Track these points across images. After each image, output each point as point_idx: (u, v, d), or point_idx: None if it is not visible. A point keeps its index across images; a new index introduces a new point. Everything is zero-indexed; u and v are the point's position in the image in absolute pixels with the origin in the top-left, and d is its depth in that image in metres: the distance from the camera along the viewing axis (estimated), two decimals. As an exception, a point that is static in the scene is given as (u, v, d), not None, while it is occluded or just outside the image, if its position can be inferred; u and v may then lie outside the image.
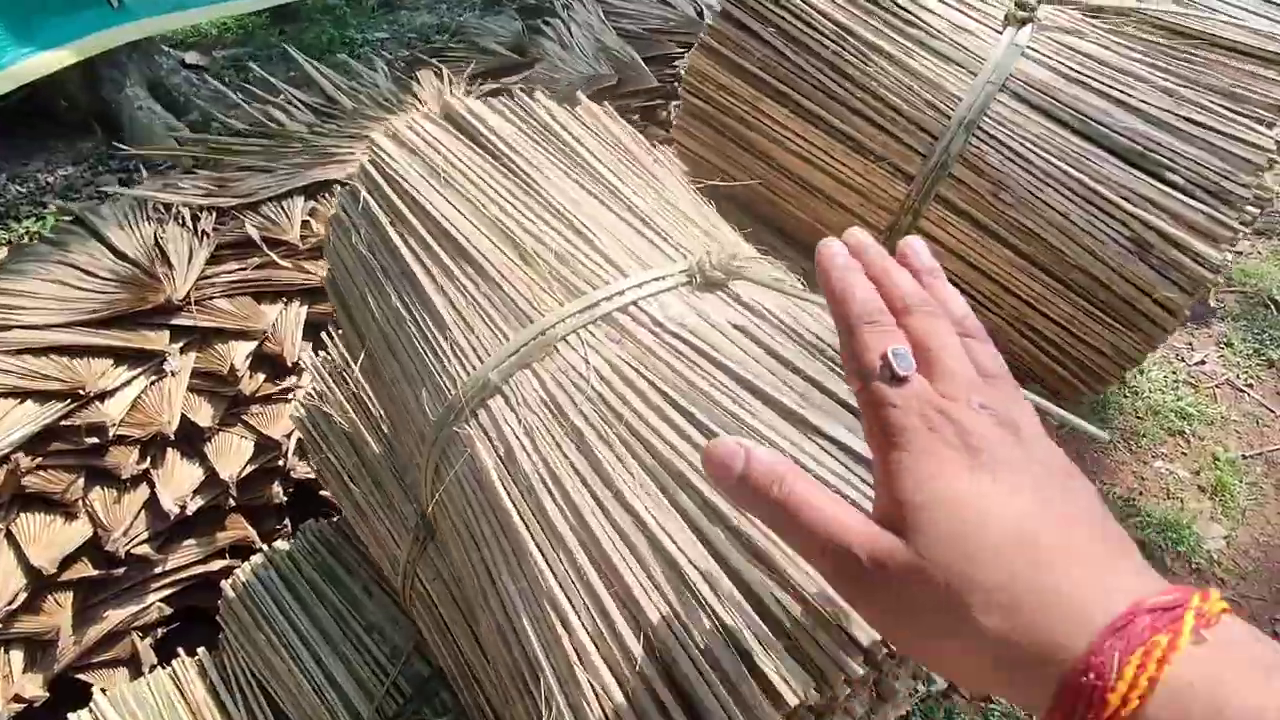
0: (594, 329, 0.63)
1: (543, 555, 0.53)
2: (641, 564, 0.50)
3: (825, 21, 0.97)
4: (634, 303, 0.64)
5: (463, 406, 0.63)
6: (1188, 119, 0.87)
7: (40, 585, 1.28)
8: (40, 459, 1.35)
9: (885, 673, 0.50)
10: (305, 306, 1.69)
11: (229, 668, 1.31)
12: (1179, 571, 1.84)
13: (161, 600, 1.40)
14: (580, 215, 0.72)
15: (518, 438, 0.59)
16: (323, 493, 1.58)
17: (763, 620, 0.45)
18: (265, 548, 1.39)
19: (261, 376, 1.57)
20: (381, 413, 0.98)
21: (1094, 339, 0.94)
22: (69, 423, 1.38)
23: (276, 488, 1.51)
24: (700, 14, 2.82)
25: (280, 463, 1.51)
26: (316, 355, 1.26)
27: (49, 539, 1.30)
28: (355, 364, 0.85)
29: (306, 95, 2.36)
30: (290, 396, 1.58)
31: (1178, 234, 0.84)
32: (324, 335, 1.61)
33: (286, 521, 1.58)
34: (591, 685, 0.47)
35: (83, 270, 1.69)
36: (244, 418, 1.52)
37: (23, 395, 1.41)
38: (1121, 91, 0.90)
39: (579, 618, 0.49)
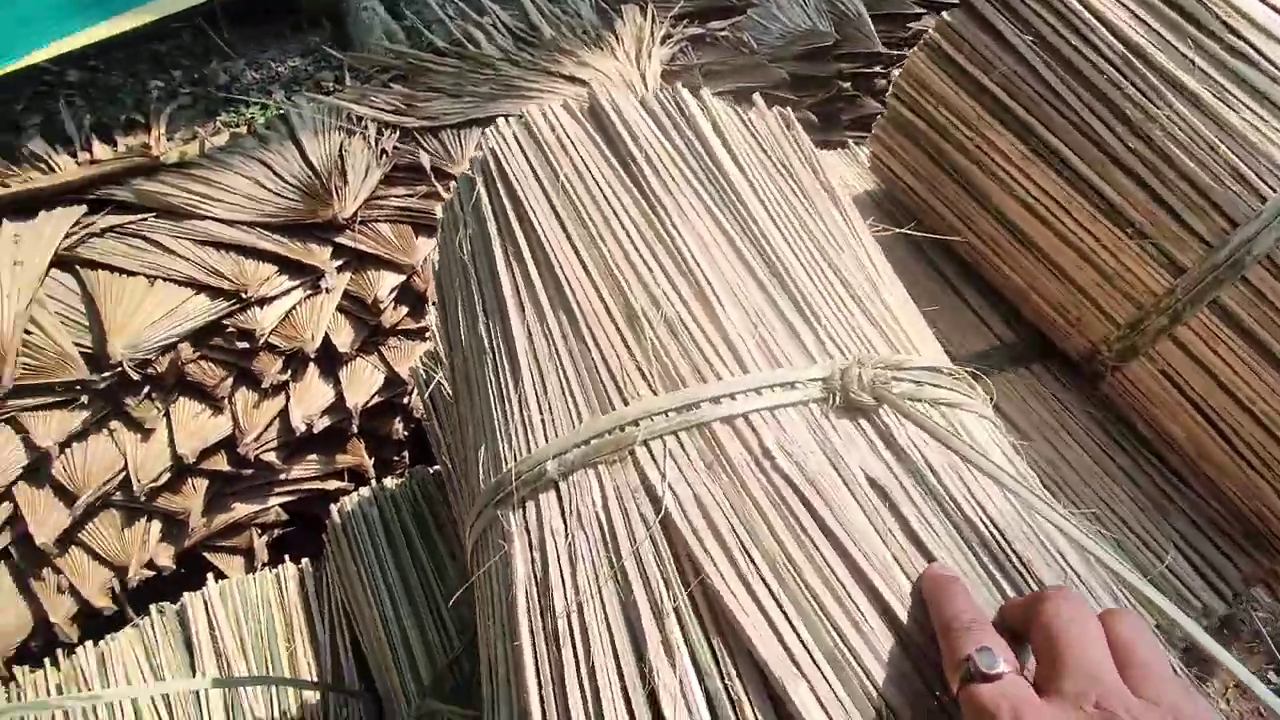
0: (685, 439, 0.50)
1: (540, 708, 0.43)
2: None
3: (1110, 39, 0.72)
4: (744, 415, 0.50)
5: (512, 491, 0.53)
6: None
7: (181, 469, 1.39)
8: (200, 352, 1.44)
9: None
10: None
11: (324, 584, 1.37)
12: None
13: (280, 505, 1.48)
14: (711, 274, 0.57)
15: (558, 555, 0.48)
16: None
17: None
18: (374, 483, 1.42)
19: (404, 310, 1.58)
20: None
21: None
22: (229, 322, 1.47)
23: (398, 424, 1.53)
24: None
25: (405, 400, 1.53)
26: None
27: (195, 428, 1.41)
28: (447, 366, 0.77)
29: (509, 18, 2.30)
30: (426, 337, 1.58)
31: None
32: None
33: (405, 455, 1.62)
34: None
35: (274, 171, 1.77)
36: (380, 349, 1.54)
37: (199, 288, 1.51)
38: None
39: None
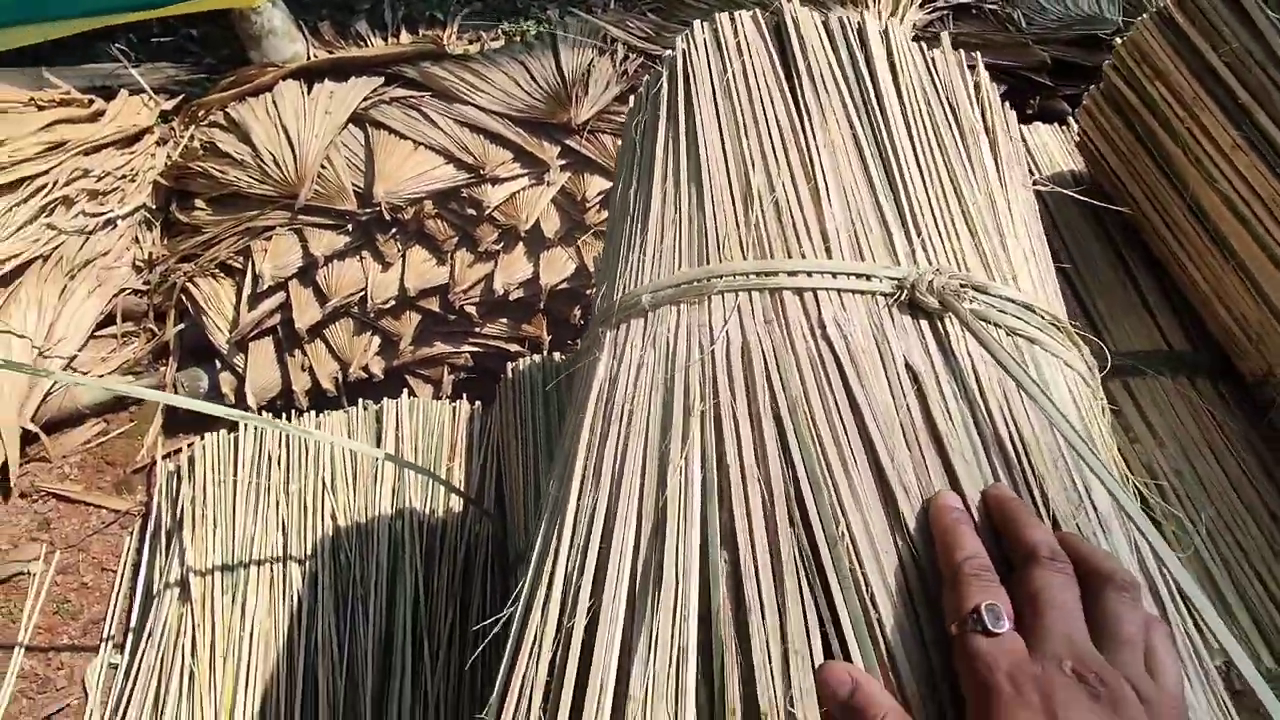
0: (755, 298, 0.58)
1: (579, 483, 0.55)
2: (634, 548, 0.48)
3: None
4: (813, 290, 0.57)
5: (613, 313, 0.64)
6: None
7: (404, 301, 1.69)
8: (438, 211, 1.72)
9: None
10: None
11: (487, 427, 1.61)
12: None
13: (470, 352, 1.74)
14: (829, 172, 0.64)
15: (629, 365, 0.59)
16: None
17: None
18: (544, 353, 1.63)
19: (605, 214, 1.74)
20: None
21: None
22: (465, 192, 1.72)
23: (577, 311, 1.72)
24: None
25: (588, 292, 1.71)
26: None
27: (421, 271, 1.69)
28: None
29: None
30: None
31: None
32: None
33: (576, 342, 1.81)
34: (537, 628, 0.49)
35: (530, 74, 2.00)
36: (578, 242, 1.73)
37: (449, 159, 1.79)
38: None
39: (566, 557, 0.51)
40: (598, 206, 1.73)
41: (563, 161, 1.79)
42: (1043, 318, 0.60)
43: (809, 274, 0.58)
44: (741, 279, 0.58)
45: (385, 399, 1.61)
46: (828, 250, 0.59)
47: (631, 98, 0.88)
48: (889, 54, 0.74)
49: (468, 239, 1.73)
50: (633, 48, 2.05)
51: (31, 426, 1.69)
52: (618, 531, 0.49)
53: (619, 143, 1.83)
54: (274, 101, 2.00)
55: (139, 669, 1.34)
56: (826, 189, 0.62)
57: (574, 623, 0.46)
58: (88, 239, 1.92)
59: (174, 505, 1.52)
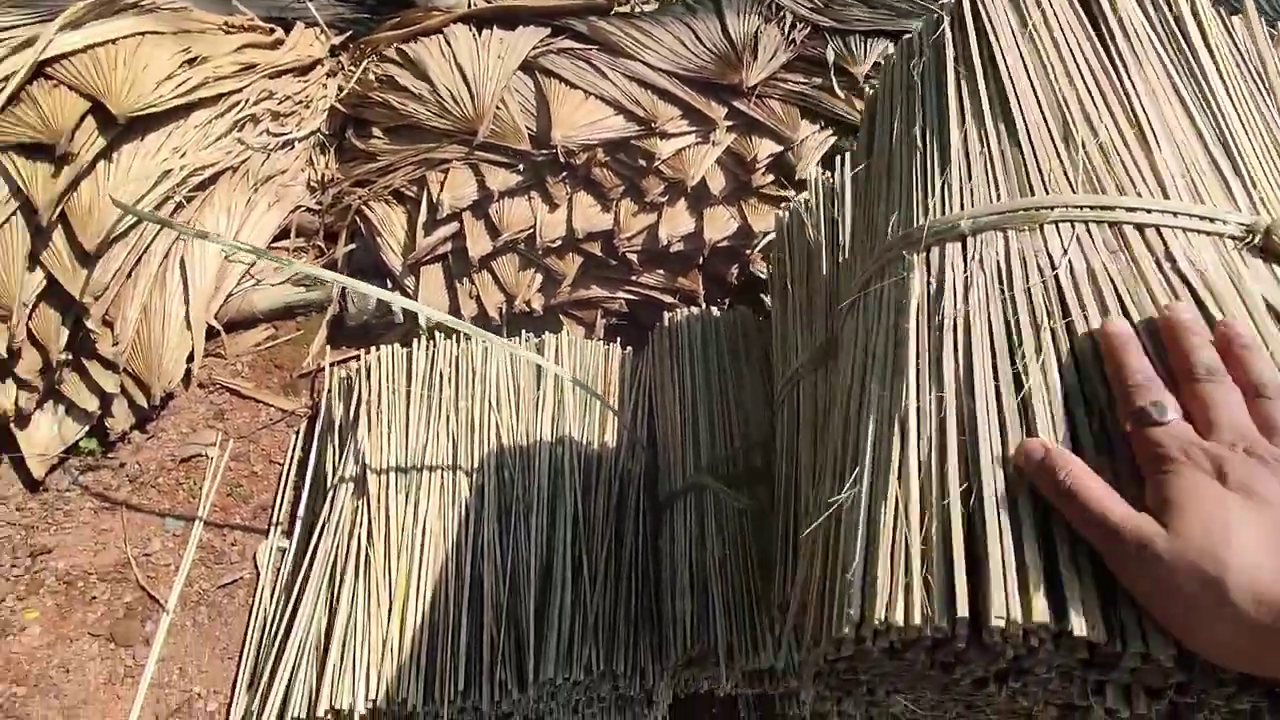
0: (1093, 230, 0.60)
1: (915, 381, 0.58)
2: (1002, 435, 0.51)
3: None
4: (1156, 228, 0.59)
5: (920, 238, 0.67)
6: None
7: (569, 242, 1.75)
8: (608, 160, 1.77)
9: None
10: (834, 138, 1.81)
11: (639, 371, 1.67)
12: None
13: (625, 299, 1.80)
14: (1155, 121, 0.65)
15: (953, 283, 0.62)
16: (763, 295, 1.79)
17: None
18: (702, 306, 1.67)
19: (770, 178, 1.77)
20: (850, 231, 1.06)
21: None
22: (635, 143, 1.77)
23: (734, 270, 1.75)
24: None
25: (748, 252, 1.74)
26: (823, 173, 1.38)
27: (588, 216, 1.75)
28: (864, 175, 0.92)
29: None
30: (782, 205, 1.76)
31: None
32: (837, 158, 1.71)
33: (727, 301, 1.85)
34: (897, 495, 0.53)
35: (696, 36, 2.02)
36: (742, 203, 1.75)
37: (619, 110, 1.83)
38: None
39: (917, 439, 0.54)
40: (764, 169, 1.75)
41: (729, 123, 1.81)
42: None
43: (1148, 211, 0.59)
44: (1076, 210, 0.60)
45: (546, 333, 1.68)
46: (1164, 192, 0.60)
47: (891, 46, 0.90)
48: (1193, 9, 0.74)
49: (633, 189, 1.77)
50: (799, 17, 2.05)
51: (215, 323, 1.82)
52: (982, 425, 0.52)
53: (786, 110, 1.84)
54: (447, 42, 2.08)
55: (314, 552, 1.45)
56: (1154, 134, 0.64)
57: (948, 502, 0.49)
58: (269, 157, 2.04)
59: (347, 409, 1.62)
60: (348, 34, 2.48)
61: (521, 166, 1.79)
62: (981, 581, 0.46)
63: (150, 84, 1.76)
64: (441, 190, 1.76)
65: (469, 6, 2.48)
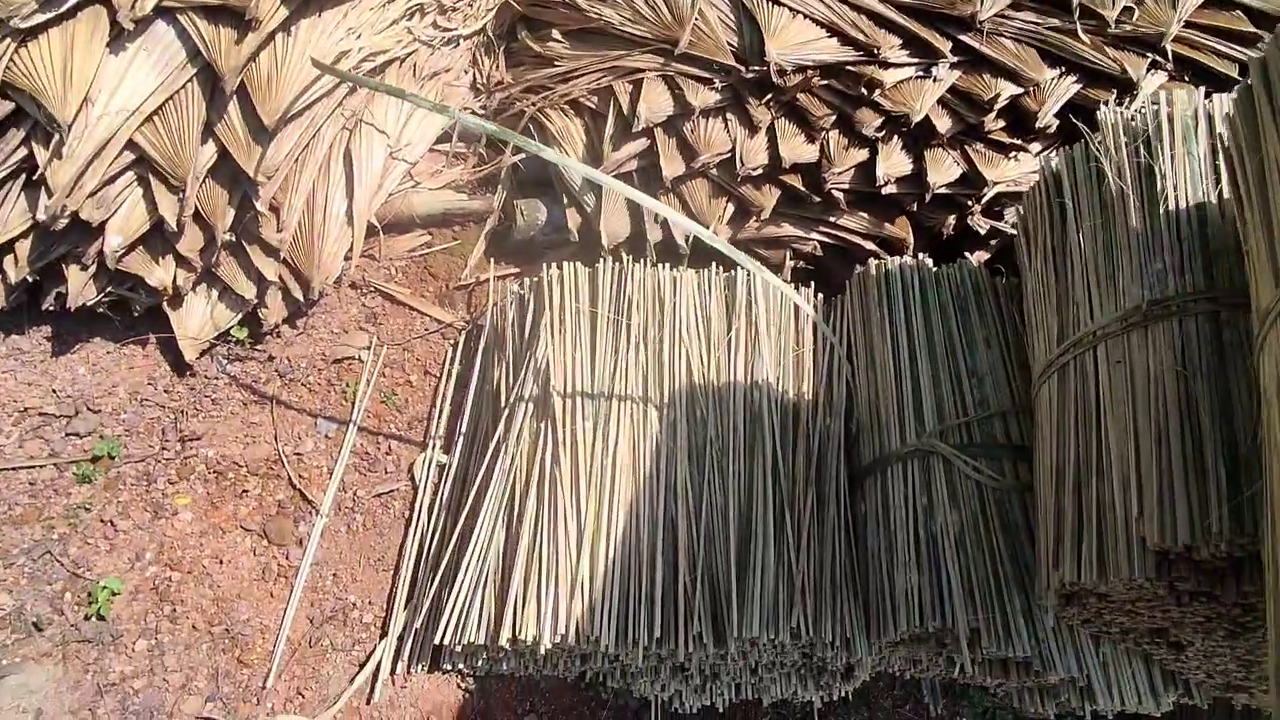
0: None
1: None
2: None
3: None
4: None
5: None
6: None
7: (770, 172, 1.60)
8: (821, 84, 1.60)
9: None
10: (1080, 86, 1.61)
11: (834, 319, 1.53)
12: None
13: (819, 241, 1.65)
14: None
15: None
16: (975, 253, 1.63)
17: None
18: (918, 256, 1.51)
19: (1002, 123, 1.59)
20: None
21: None
22: (853, 69, 1.59)
23: (951, 220, 1.59)
24: None
25: (969, 204, 1.57)
26: (1116, 111, 1.20)
27: (793, 144, 1.59)
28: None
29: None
30: (1013, 155, 1.58)
31: None
32: (1107, 106, 1.51)
33: (927, 256, 1.69)
34: None
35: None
36: (968, 148, 1.58)
37: (834, 32, 1.66)
38: None
39: None
40: (996, 114, 1.57)
41: (956, 58, 1.63)
42: None
43: None
44: None
45: (737, 270, 1.55)
46: None
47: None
48: None
49: (842, 120, 1.61)
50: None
51: (375, 221, 1.72)
52: None
53: (1022, 49, 1.65)
54: (635, -56, 1.90)
55: (488, 473, 1.36)
56: None
57: None
58: (435, 51, 1.91)
59: (521, 325, 1.52)
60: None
61: (719, 84, 1.63)
62: None
63: (335, -46, 1.63)
64: (636, 102, 1.61)
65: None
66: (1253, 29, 1.66)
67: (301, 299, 1.63)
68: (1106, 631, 1.03)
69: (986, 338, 1.33)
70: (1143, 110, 1.15)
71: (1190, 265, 0.96)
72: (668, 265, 1.51)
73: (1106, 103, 1.60)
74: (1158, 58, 1.59)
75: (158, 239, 1.52)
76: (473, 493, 1.37)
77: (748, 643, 1.17)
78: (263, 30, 1.52)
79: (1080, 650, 1.07)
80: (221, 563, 1.41)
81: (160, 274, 1.54)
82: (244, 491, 1.49)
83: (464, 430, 1.52)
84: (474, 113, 1.89)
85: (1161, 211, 1.04)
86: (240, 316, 1.62)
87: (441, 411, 1.60)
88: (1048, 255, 1.19)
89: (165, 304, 1.59)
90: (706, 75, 1.64)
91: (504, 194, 1.80)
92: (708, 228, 1.59)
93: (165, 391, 1.59)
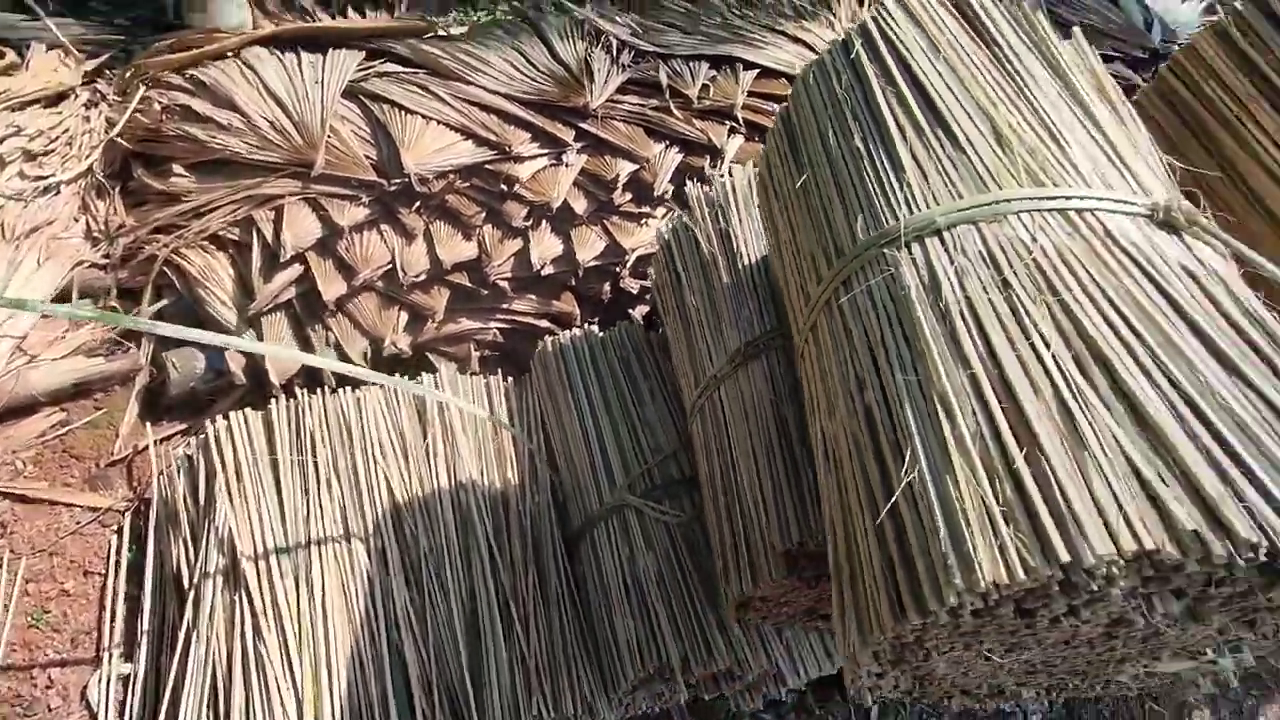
0: (1049, 217, 0.69)
1: (940, 364, 0.63)
2: (1037, 401, 0.57)
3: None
4: (1093, 211, 0.69)
5: (899, 235, 0.73)
6: None
7: (434, 275, 1.64)
8: (465, 185, 1.69)
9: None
10: (681, 155, 1.89)
11: (525, 400, 1.61)
12: None
13: (498, 328, 1.72)
14: (1058, 121, 0.76)
15: (944, 272, 0.68)
16: (635, 309, 1.81)
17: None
18: (585, 326, 1.65)
19: (629, 196, 1.80)
20: (768, 239, 1.10)
21: None
22: (490, 168, 1.71)
23: (607, 287, 1.76)
24: (1148, 26, 2.60)
25: (618, 270, 1.75)
26: (699, 186, 1.44)
27: (450, 246, 1.66)
28: (793, 187, 0.97)
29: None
30: (643, 222, 1.80)
31: None
32: (706, 171, 1.79)
33: (596, 321, 1.85)
34: (963, 467, 0.56)
35: (527, 60, 2.01)
36: (605, 222, 1.77)
37: (467, 135, 1.77)
38: None
39: (962, 414, 0.59)
40: (621, 188, 1.78)
41: (579, 145, 1.82)
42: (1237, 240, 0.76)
43: (1082, 198, 0.70)
44: (1031, 201, 0.70)
45: (424, 373, 1.56)
46: (1086, 183, 0.71)
47: (805, 70, 0.97)
48: (1044, 30, 0.88)
49: (493, 215, 1.71)
50: (623, 42, 2.12)
51: (-20, 414, 1.46)
52: (1020, 390, 0.58)
53: (631, 130, 1.89)
54: (249, 66, 1.87)
55: (181, 668, 1.20)
56: (1062, 134, 0.75)
57: (1016, 465, 0.54)
58: (28, 205, 1.69)
59: (195, 492, 1.37)
60: (102, 58, 2.13)
61: (366, 199, 1.65)
62: (1066, 527, 0.51)
63: None
64: (280, 230, 1.56)
65: (253, 28, 2.25)
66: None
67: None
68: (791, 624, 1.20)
69: (651, 389, 1.49)
70: (722, 180, 1.40)
71: (765, 309, 1.18)
72: (349, 388, 1.48)
73: (703, 168, 1.91)
74: (734, 124, 1.93)
75: None
76: (166, 698, 1.21)
77: (499, 747, 1.18)
78: None
79: (767, 643, 1.24)
80: None
81: None
82: None
83: (146, 628, 1.34)
84: (93, 264, 1.70)
85: (740, 266, 1.26)
86: None
87: (114, 613, 1.38)
88: (674, 312, 1.38)
89: None
90: (350, 192, 1.65)
91: (149, 346, 1.63)
92: (382, 341, 1.59)
93: None
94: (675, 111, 1.94)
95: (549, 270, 1.70)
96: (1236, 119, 1.01)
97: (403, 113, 1.79)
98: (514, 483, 1.47)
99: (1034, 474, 0.54)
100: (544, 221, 1.74)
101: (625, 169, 1.77)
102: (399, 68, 1.95)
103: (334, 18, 2.55)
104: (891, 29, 0.87)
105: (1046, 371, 0.59)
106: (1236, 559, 0.49)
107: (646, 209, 1.81)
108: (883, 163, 0.79)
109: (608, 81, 1.96)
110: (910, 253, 0.72)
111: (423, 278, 1.62)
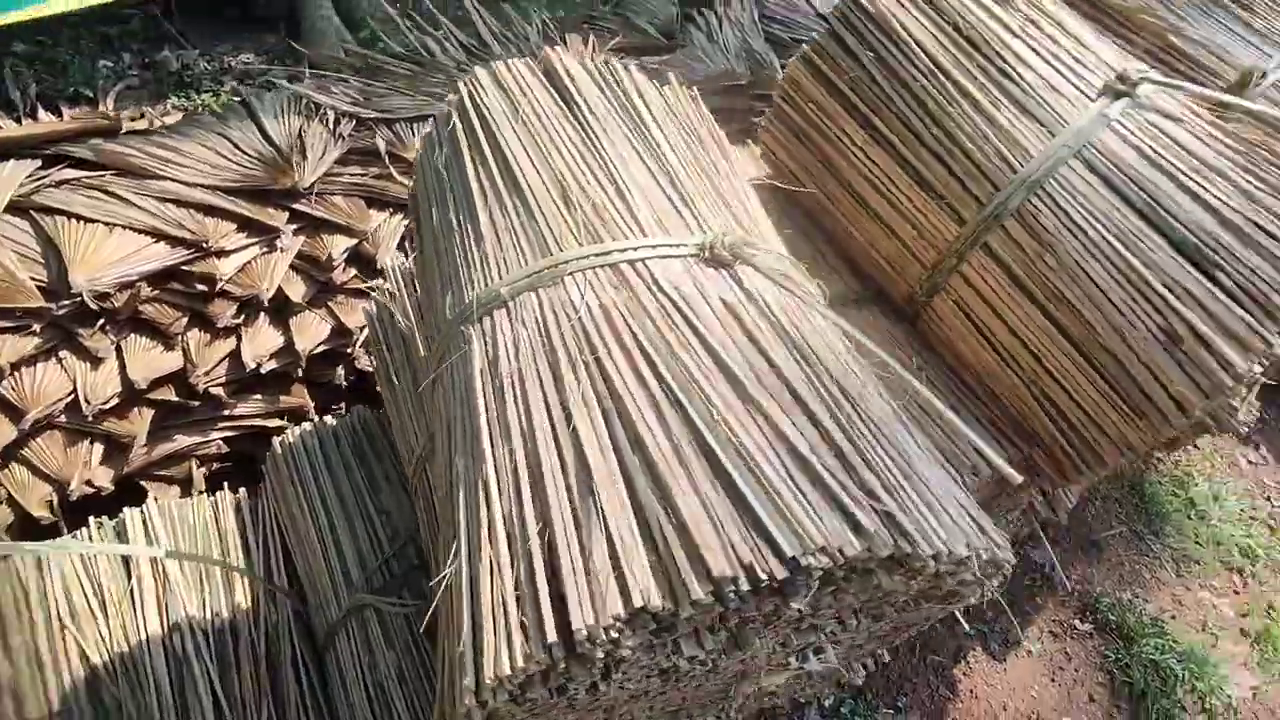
0: (600, 273, 0.70)
1: (489, 444, 0.62)
2: (562, 467, 0.57)
3: (922, 57, 0.99)
4: (643, 260, 0.71)
5: (473, 311, 0.72)
6: (1258, 225, 0.84)
7: (131, 396, 1.48)
8: (159, 293, 1.55)
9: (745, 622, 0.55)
10: (407, 222, 1.85)
11: (259, 511, 1.48)
12: (1190, 707, 1.74)
13: (222, 439, 1.58)
14: (626, 175, 0.79)
15: (505, 345, 0.68)
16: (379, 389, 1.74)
17: (641, 535, 0.52)
18: (315, 419, 1.55)
19: (353, 271, 1.73)
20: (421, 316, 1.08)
21: (1102, 419, 0.93)
22: (189, 268, 1.58)
23: (341, 371, 1.67)
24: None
25: (349, 350, 1.67)
26: (400, 261, 1.40)
27: (147, 361, 1.51)
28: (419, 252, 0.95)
29: (463, 35, 2.53)
30: (372, 297, 1.73)
31: (1210, 334, 0.82)
32: (407, 244, 1.75)
33: (343, 405, 1.75)
34: (490, 555, 0.55)
35: (234, 145, 1.90)
36: (329, 304, 1.68)
37: (159, 237, 1.63)
38: (1200, 184, 0.88)
39: (499, 497, 0.58)
40: (343, 265, 1.71)
41: (294, 226, 1.73)
42: (791, 263, 0.82)
43: (634, 249, 0.72)
44: (584, 260, 0.71)
45: (125, 509, 1.39)
46: (644, 232, 0.74)
47: (422, 142, 0.96)
48: (637, 86, 0.93)
49: (199, 318, 1.58)
50: (342, 112, 2.06)
51: None
52: (546, 464, 0.57)
53: (352, 203, 1.83)
54: (-117, 191, 1.63)
55: None
56: (628, 189, 0.78)
57: (529, 544, 0.54)
58: None
59: None
60: None
61: (37, 328, 1.47)
62: (565, 601, 0.51)
63: None
64: (-82, 378, 1.35)
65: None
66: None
67: None
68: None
69: (386, 474, 1.42)
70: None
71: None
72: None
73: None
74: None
75: None
76: None
77: None
78: None
79: None
80: None
81: None
82: None
83: None
84: None
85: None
86: None
87: None
88: (386, 389, 1.33)
89: None
90: (14, 324, 1.47)
91: None
92: (68, 485, 1.41)
93: None
94: (397, 177, 1.90)
95: (270, 366, 1.59)
96: (835, 135, 1.11)
97: (80, 223, 1.62)
98: (245, 609, 1.34)
99: (544, 551, 0.53)
100: (261, 315, 1.63)
101: (342, 245, 1.70)
102: (81, 172, 1.77)
103: (20, 121, 2.31)
104: (481, 99, 0.88)
105: (575, 437, 0.59)
106: (726, 596, 0.50)
107: (375, 282, 1.75)
108: (468, 234, 0.79)
109: (323, 156, 1.89)
110: (481, 327, 0.71)
111: (114, 402, 1.45)
